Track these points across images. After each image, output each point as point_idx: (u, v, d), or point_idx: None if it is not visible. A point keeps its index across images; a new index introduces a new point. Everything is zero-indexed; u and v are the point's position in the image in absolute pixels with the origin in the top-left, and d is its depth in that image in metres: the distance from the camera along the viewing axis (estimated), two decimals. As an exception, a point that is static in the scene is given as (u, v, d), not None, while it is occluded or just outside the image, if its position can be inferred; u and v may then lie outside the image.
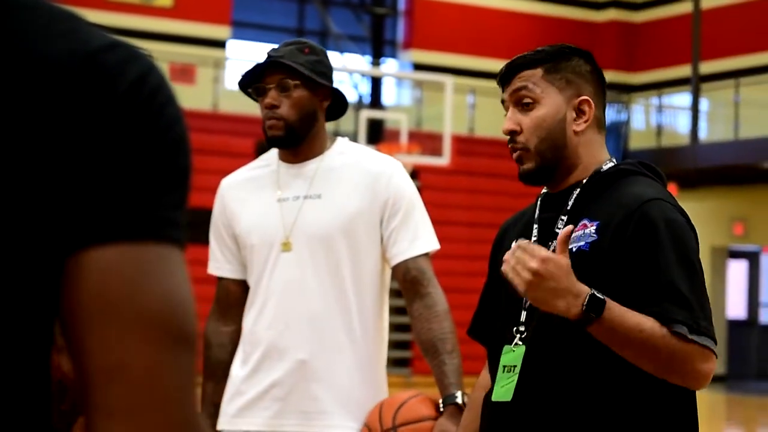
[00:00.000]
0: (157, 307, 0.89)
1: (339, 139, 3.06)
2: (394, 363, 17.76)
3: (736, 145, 17.64)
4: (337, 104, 3.04)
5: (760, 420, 15.32)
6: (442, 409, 2.81)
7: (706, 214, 18.81)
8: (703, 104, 19.26)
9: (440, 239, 3.08)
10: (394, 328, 19.55)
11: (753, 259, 20.63)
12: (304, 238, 2.92)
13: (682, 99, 19.73)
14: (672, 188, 18.42)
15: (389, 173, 2.97)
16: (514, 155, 2.43)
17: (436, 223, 3.09)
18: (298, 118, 2.93)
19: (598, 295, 2.17)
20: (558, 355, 2.31)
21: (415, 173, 17.51)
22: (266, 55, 3.00)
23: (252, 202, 3.01)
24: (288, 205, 2.96)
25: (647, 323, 2.20)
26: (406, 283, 2.96)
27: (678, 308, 2.22)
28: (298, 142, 2.96)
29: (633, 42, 21.37)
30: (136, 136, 0.91)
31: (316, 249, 2.92)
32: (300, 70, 2.93)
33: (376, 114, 17.53)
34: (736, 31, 19.77)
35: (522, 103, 2.41)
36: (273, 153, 3.06)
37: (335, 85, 3.01)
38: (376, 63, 18.71)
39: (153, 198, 0.91)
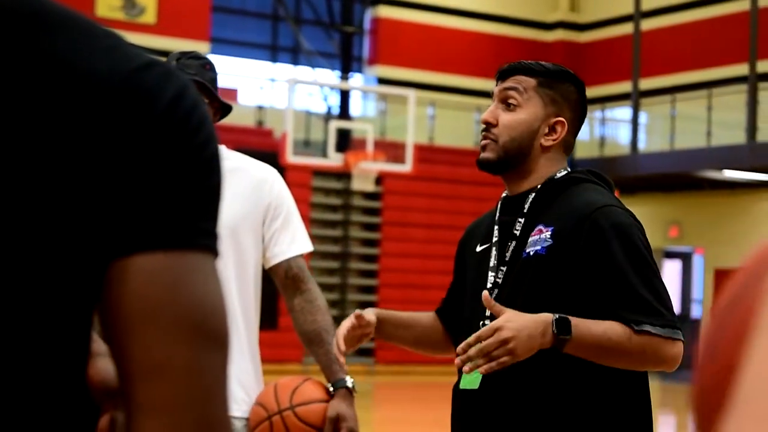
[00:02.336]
0: (195, 310, 0.88)
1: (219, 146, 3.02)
2: (358, 353, 17.73)
3: (672, 155, 17.76)
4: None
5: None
6: (332, 393, 2.82)
7: (644, 218, 18.83)
8: (642, 117, 19.38)
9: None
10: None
11: (686, 259, 20.79)
12: None
13: (623, 112, 19.85)
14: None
15: (272, 180, 2.98)
16: (482, 143, 2.45)
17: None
18: None
19: (561, 316, 2.17)
20: None
21: (379, 179, 17.50)
22: (174, 66, 2.93)
23: None
24: None
25: (612, 328, 2.20)
26: (287, 280, 2.96)
27: (638, 311, 2.22)
28: None
29: (579, 60, 21.48)
30: (176, 153, 0.89)
31: None
32: (210, 89, 2.89)
33: (344, 124, 17.52)
34: (672, 51, 19.93)
35: (507, 101, 2.44)
36: None
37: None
38: (344, 77, 18.70)
39: (191, 210, 0.90)
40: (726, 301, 0.49)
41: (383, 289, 17.67)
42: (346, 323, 2.45)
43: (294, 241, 2.97)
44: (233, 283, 2.89)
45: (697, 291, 20.58)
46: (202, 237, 0.91)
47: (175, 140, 0.90)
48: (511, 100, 2.43)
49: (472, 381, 2.35)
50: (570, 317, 2.18)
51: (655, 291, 2.25)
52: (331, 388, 2.83)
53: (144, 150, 0.88)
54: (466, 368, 2.16)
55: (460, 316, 2.54)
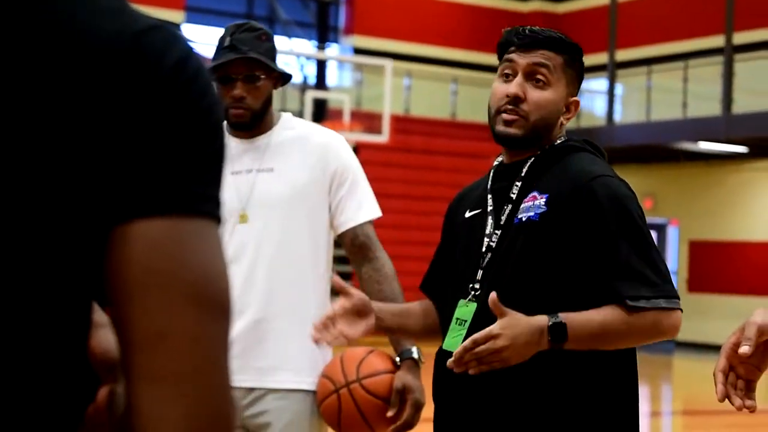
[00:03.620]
0: (197, 277, 0.87)
1: (284, 114, 3.02)
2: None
3: (647, 127, 17.83)
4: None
5: (664, 375, 15.59)
6: (399, 364, 2.80)
7: (619, 189, 18.96)
8: (618, 89, 19.42)
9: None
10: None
11: (661, 231, 20.91)
12: (260, 210, 2.88)
13: (599, 84, 19.89)
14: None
15: (336, 146, 2.96)
16: (509, 117, 2.39)
17: (374, 195, 3.10)
18: (261, 106, 2.90)
19: (555, 320, 2.19)
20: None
21: (356, 149, 17.49)
22: (228, 41, 2.93)
23: None
24: (242, 179, 2.90)
25: (608, 316, 2.21)
26: (354, 248, 2.95)
27: (632, 284, 2.23)
28: (258, 124, 2.94)
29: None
30: (181, 117, 0.88)
31: (271, 220, 2.87)
32: (267, 63, 2.89)
33: (320, 94, 17.49)
34: (648, 22, 19.95)
35: (535, 77, 2.41)
36: None
37: (283, 66, 2.99)
38: (320, 47, 18.64)
39: (195, 176, 0.88)
40: None
41: (359, 259, 17.69)
42: (336, 306, 2.42)
43: (361, 207, 2.95)
44: (307, 251, 2.88)
45: (672, 262, 20.72)
46: (205, 203, 0.89)
47: (180, 103, 0.88)
48: (539, 77, 2.40)
49: (453, 343, 2.37)
50: (565, 318, 2.19)
51: (651, 261, 2.26)
52: (398, 359, 2.82)
53: (148, 112, 0.87)
54: (457, 370, 2.19)
55: (447, 283, 2.54)
